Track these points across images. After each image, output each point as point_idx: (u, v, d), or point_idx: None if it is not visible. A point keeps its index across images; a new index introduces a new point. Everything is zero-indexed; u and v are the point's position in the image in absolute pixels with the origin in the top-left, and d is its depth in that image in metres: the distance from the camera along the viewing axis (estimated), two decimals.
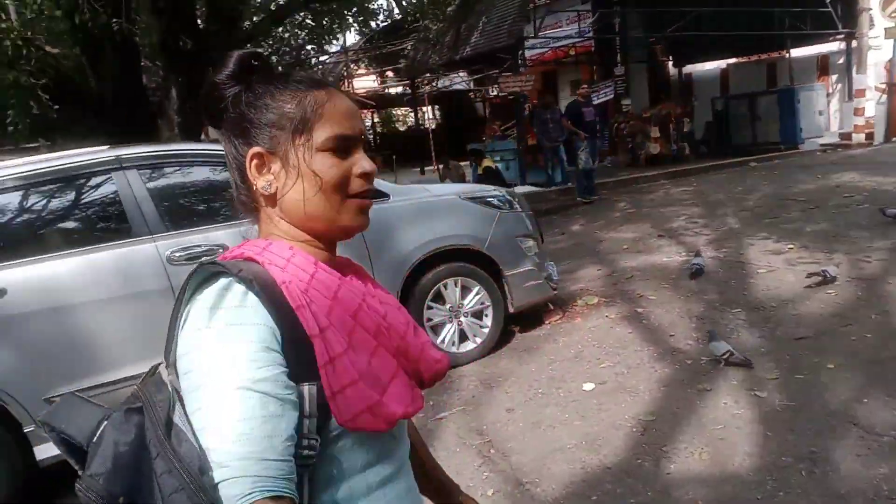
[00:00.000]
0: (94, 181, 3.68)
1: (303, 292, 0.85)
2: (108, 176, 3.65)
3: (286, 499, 0.77)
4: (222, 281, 0.83)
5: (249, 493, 0.74)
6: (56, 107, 7.35)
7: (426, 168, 17.56)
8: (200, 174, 4.02)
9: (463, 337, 4.46)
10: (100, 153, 3.72)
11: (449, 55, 15.53)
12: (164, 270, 3.58)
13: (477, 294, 4.45)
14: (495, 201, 4.60)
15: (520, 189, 10.88)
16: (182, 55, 8.24)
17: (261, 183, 0.92)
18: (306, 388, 0.82)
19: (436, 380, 1.00)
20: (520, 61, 13.49)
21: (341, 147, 0.91)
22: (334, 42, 16.08)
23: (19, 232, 3.58)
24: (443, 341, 4.37)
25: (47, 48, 7.92)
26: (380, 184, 4.28)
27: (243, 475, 0.75)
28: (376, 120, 25.50)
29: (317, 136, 0.90)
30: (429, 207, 4.40)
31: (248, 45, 9.04)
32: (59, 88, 7.65)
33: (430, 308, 4.31)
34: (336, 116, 0.91)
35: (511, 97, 13.89)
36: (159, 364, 0.89)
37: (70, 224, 3.76)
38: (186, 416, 0.80)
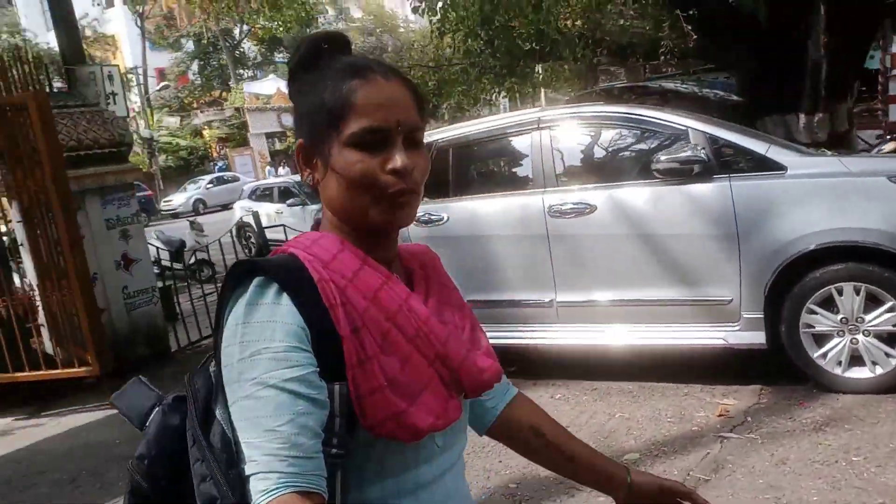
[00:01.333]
0: (519, 139, 4.52)
1: (341, 290, 0.85)
2: (529, 135, 4.43)
3: (314, 494, 0.77)
4: (258, 278, 0.84)
5: (274, 489, 0.75)
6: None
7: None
8: (606, 136, 4.36)
9: (857, 359, 3.51)
10: (527, 115, 4.52)
11: None
12: (543, 220, 4.20)
13: (890, 311, 3.40)
14: None
15: None
16: None
17: (304, 176, 0.93)
18: (336, 388, 0.81)
19: (480, 390, 0.94)
20: None
21: (369, 141, 0.86)
22: None
23: (462, 176, 4.76)
24: (824, 356, 3.56)
25: None
26: (780, 154, 3.70)
27: (270, 471, 0.76)
28: None
29: (345, 129, 0.86)
30: (834, 189, 3.54)
31: None
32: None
33: (812, 313, 3.55)
34: (366, 107, 0.86)
35: None
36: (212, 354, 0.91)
37: (498, 173, 4.75)
38: (227, 408, 0.82)
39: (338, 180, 0.87)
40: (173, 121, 33.76)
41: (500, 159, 4.85)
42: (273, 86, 32.81)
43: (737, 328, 3.74)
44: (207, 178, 27.96)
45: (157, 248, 9.16)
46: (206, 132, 33.49)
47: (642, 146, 4.22)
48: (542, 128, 4.35)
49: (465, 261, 4.44)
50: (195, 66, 39.53)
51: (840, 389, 3.53)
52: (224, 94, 36.92)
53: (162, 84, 34.10)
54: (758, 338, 3.67)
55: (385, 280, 0.88)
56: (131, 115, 33.46)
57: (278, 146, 32.04)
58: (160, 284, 7.30)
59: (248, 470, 0.77)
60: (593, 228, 4.05)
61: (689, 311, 3.90)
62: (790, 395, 3.66)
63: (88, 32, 30.78)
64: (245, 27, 34.47)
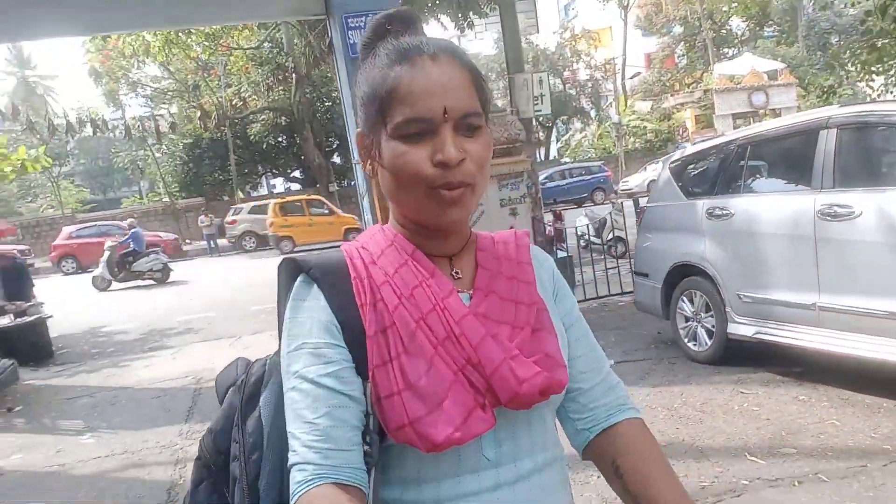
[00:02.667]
0: (806, 138, 4.46)
1: (377, 288, 0.84)
2: (817, 133, 4.37)
3: (352, 488, 0.77)
4: (302, 276, 0.86)
5: (311, 480, 0.76)
6: None
7: None
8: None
9: None
10: (818, 113, 4.44)
11: None
12: (812, 222, 4.19)
13: None
14: None
15: None
16: None
17: (364, 166, 0.89)
18: (367, 386, 0.81)
19: (519, 403, 0.83)
20: None
21: (413, 132, 0.80)
22: None
23: (751, 174, 4.87)
24: None
25: None
26: None
27: (306, 462, 0.77)
28: None
29: (389, 120, 0.81)
30: None
31: None
32: None
33: None
34: (409, 95, 0.80)
35: None
36: None
37: (782, 171, 4.71)
38: (280, 395, 0.85)
39: (388, 172, 0.83)
40: (644, 105, 35.48)
41: (786, 158, 4.78)
42: (748, 64, 31.63)
43: None
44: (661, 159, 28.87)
45: (585, 224, 11.10)
46: (676, 114, 34.31)
47: None
48: (830, 127, 4.26)
49: (745, 258, 4.69)
50: (680, 48, 40.32)
51: None
52: (704, 74, 37.04)
53: (635, 73, 36.04)
54: None
55: (426, 277, 0.85)
56: (609, 101, 36.36)
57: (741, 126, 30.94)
58: (556, 256, 8.88)
59: (290, 460, 0.79)
60: (858, 234, 3.91)
61: None
62: None
63: (577, 31, 34.51)
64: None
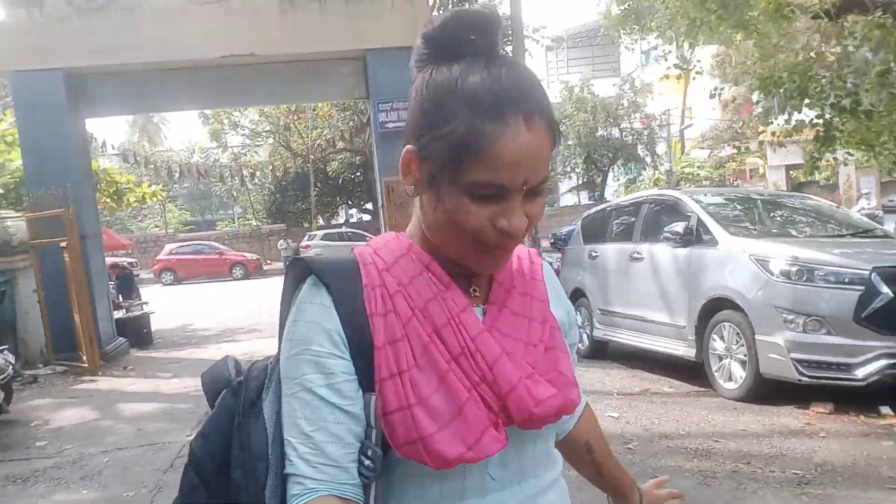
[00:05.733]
0: (637, 208, 6.77)
1: (389, 298, 0.82)
2: (640, 206, 6.68)
3: (349, 502, 0.77)
4: (311, 278, 0.84)
5: (307, 493, 0.76)
6: None
7: None
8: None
9: None
10: (646, 193, 6.75)
11: None
12: (627, 262, 6.50)
13: None
14: None
15: None
16: None
17: (406, 184, 0.85)
18: (372, 399, 0.79)
19: (533, 424, 0.83)
20: None
21: (488, 195, 0.78)
22: None
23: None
24: None
25: None
26: None
27: (301, 475, 0.77)
28: None
29: (465, 173, 0.77)
30: None
31: None
32: None
33: None
34: (496, 161, 0.75)
35: None
36: None
37: (624, 228, 7.04)
38: (280, 401, 0.83)
39: (442, 216, 0.80)
40: (703, 153, 36.90)
41: (627, 220, 7.07)
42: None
43: None
44: None
45: None
46: (728, 164, 35.55)
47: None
48: (646, 202, 6.60)
49: (602, 285, 7.04)
50: (759, 95, 41.02)
51: None
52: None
53: (688, 124, 37.35)
54: None
55: (441, 290, 0.84)
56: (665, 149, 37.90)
57: None
58: None
59: (286, 469, 0.79)
60: (643, 271, 6.22)
61: None
62: None
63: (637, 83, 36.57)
64: None
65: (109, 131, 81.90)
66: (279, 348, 0.86)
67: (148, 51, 8.84)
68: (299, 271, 0.86)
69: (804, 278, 4.62)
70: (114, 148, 18.32)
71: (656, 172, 36.71)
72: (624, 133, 36.79)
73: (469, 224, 0.79)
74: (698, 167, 35.41)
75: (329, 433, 0.78)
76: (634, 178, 38.93)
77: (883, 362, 4.34)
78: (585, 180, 39.01)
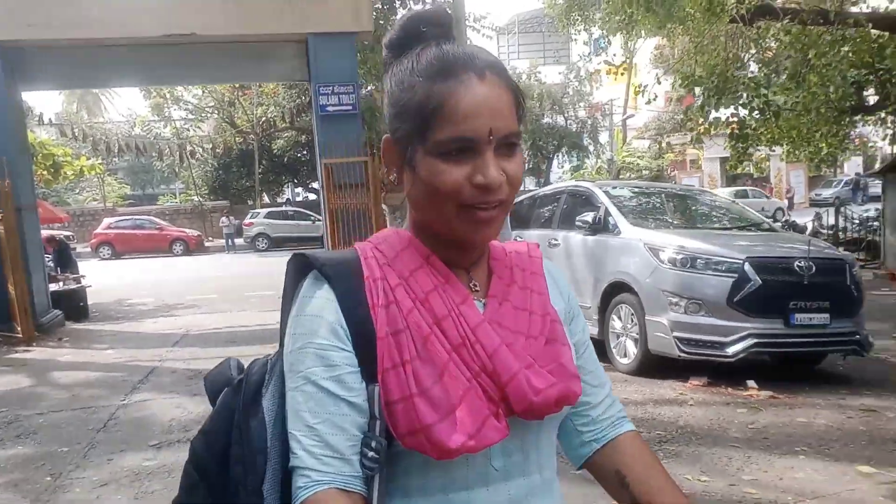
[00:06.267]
0: (556, 197, 7.28)
1: (391, 290, 0.84)
2: (560, 196, 7.19)
3: (353, 494, 0.78)
4: (313, 272, 0.85)
5: (311, 486, 0.77)
6: None
7: None
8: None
9: None
10: (565, 184, 7.26)
11: None
12: (546, 247, 7.01)
13: None
14: None
15: None
16: None
17: (389, 173, 0.89)
18: (376, 390, 0.80)
19: (533, 413, 0.84)
20: None
21: (455, 151, 0.79)
22: None
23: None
24: None
25: None
26: None
27: (306, 467, 0.78)
28: None
29: (430, 136, 0.80)
30: None
31: None
32: None
33: None
34: (455, 114, 0.78)
35: None
36: None
37: (546, 216, 7.56)
38: (281, 396, 0.84)
39: (421, 187, 0.83)
40: (644, 143, 38.06)
41: (548, 209, 7.60)
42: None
43: None
44: None
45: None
46: (667, 154, 36.77)
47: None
48: (563, 192, 7.10)
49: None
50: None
51: None
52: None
53: (629, 114, 38.42)
54: None
55: (441, 282, 0.85)
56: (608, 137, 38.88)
57: None
58: None
59: (291, 462, 0.80)
60: (558, 257, 6.74)
61: None
62: None
63: (583, 72, 37.32)
64: None
65: (47, 101, 78.89)
66: (280, 344, 0.88)
67: (87, 26, 8.89)
68: (300, 266, 0.87)
69: (688, 265, 5.21)
70: (51, 121, 17.97)
71: (599, 161, 37.74)
72: (569, 121, 37.58)
73: (446, 185, 0.80)
74: (638, 157, 36.53)
75: (333, 425, 0.78)
76: (579, 165, 39.87)
77: (750, 341, 4.98)
78: (531, 167, 39.80)
